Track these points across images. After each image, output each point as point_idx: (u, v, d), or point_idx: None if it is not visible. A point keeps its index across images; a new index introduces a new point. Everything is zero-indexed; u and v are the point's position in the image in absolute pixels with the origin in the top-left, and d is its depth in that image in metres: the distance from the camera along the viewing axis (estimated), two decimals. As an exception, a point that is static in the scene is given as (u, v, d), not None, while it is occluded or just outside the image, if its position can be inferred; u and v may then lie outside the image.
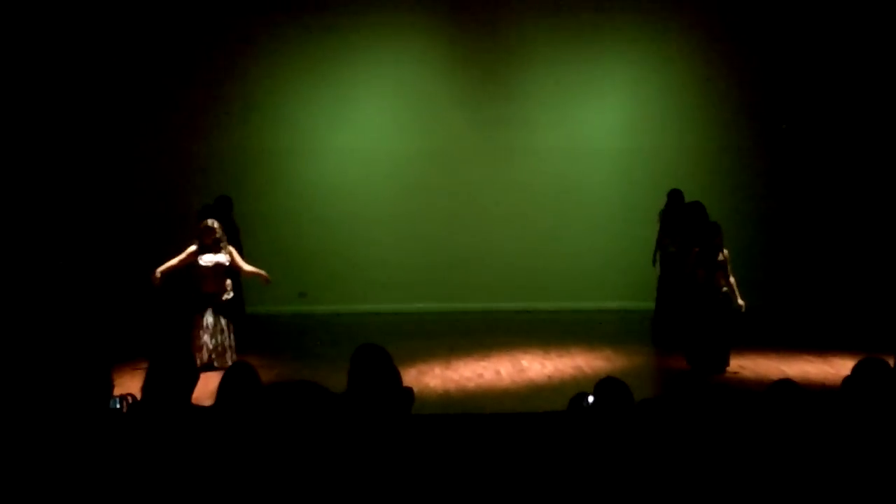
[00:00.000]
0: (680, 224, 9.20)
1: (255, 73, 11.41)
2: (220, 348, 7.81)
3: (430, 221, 11.55)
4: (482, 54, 11.59)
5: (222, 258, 7.93)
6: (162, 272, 7.79)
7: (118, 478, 3.10)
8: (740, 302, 7.97)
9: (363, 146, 11.54)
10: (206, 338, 7.77)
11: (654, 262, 9.61)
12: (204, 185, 10.63)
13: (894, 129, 11.28)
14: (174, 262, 7.90)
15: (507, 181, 11.63)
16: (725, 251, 8.01)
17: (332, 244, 11.44)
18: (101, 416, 3.46)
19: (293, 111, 11.50)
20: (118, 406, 4.07)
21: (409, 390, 3.82)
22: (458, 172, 11.61)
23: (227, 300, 7.99)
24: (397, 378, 3.68)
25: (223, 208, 9.29)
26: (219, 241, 7.94)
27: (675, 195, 9.50)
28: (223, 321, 7.90)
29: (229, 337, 7.92)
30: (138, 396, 3.71)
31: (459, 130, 11.59)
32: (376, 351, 3.71)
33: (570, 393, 6.97)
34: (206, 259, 7.87)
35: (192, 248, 7.92)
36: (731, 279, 8.02)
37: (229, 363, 7.54)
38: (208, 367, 7.51)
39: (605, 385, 3.77)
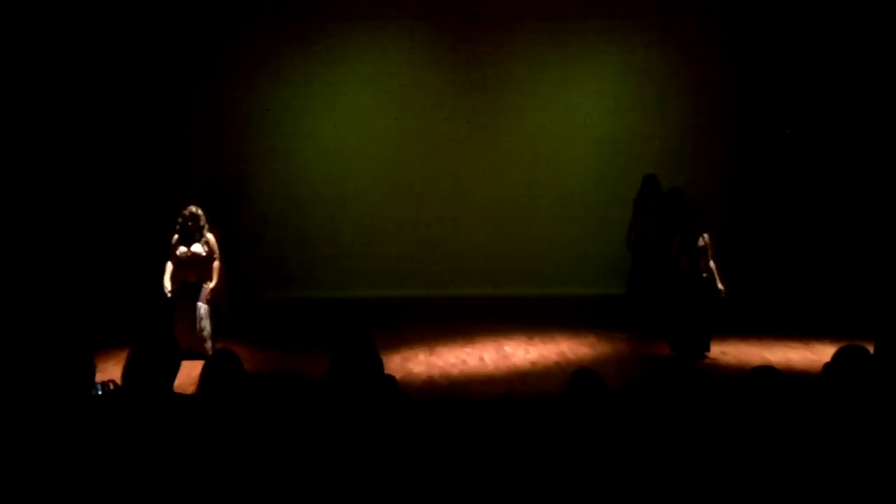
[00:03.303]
0: (659, 210, 9.26)
1: (237, 64, 11.27)
2: (200, 336, 7.78)
3: (413, 208, 11.53)
4: (464, 41, 11.51)
5: (199, 249, 7.83)
6: (172, 286, 7.78)
7: (98, 464, 3.09)
8: (720, 286, 8.03)
9: (346, 134, 11.48)
10: (187, 326, 7.72)
11: (627, 244, 9.69)
12: (189, 175, 10.60)
13: (872, 119, 11.32)
14: (169, 267, 7.85)
15: (490, 168, 11.62)
16: (706, 236, 8.04)
17: (317, 231, 11.41)
18: (83, 401, 3.44)
19: (275, 100, 11.41)
20: (100, 392, 4.06)
21: (392, 379, 3.81)
22: (441, 159, 11.59)
23: (208, 287, 7.92)
24: (379, 366, 3.68)
25: (215, 190, 9.18)
26: (202, 227, 7.87)
27: (649, 180, 9.60)
28: (203, 309, 7.86)
29: (209, 324, 7.88)
30: (120, 383, 3.69)
31: (442, 118, 11.54)
32: (358, 338, 3.70)
33: (554, 379, 7.09)
34: (182, 251, 7.80)
35: (175, 238, 7.87)
36: (712, 264, 8.06)
37: (210, 351, 7.53)
38: (188, 354, 7.47)
39: (580, 377, 3.79)
